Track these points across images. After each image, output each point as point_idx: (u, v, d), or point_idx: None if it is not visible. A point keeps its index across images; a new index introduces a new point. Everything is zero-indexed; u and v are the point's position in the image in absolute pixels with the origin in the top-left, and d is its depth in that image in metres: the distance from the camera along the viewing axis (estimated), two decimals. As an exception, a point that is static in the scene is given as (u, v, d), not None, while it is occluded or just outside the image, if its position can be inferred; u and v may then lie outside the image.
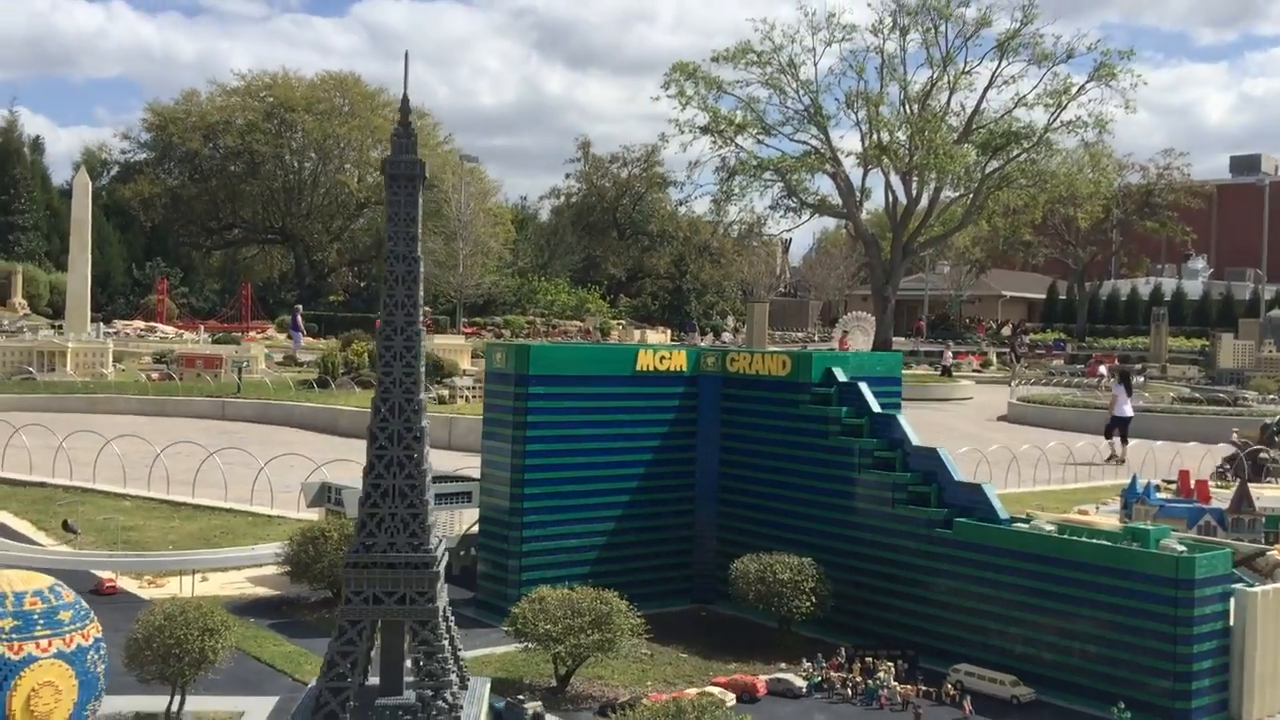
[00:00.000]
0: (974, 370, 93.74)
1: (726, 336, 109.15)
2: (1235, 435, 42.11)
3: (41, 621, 7.57)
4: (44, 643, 7.54)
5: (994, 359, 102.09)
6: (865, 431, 18.74)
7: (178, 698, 13.92)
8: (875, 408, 18.85)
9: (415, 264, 10.09)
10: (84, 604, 8.10)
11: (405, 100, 10.60)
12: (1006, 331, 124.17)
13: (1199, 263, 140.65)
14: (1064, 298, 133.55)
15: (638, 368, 19.83)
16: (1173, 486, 28.42)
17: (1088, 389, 69.66)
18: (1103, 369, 78.47)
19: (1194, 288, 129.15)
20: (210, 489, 28.58)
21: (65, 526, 23.79)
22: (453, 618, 10.59)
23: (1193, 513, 24.36)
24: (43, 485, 29.10)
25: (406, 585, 9.90)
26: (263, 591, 20.34)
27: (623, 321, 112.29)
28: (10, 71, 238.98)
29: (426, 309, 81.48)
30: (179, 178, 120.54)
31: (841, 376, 19.39)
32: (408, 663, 10.28)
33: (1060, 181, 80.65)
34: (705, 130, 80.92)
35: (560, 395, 18.90)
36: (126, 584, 20.42)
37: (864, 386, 19.05)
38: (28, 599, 7.57)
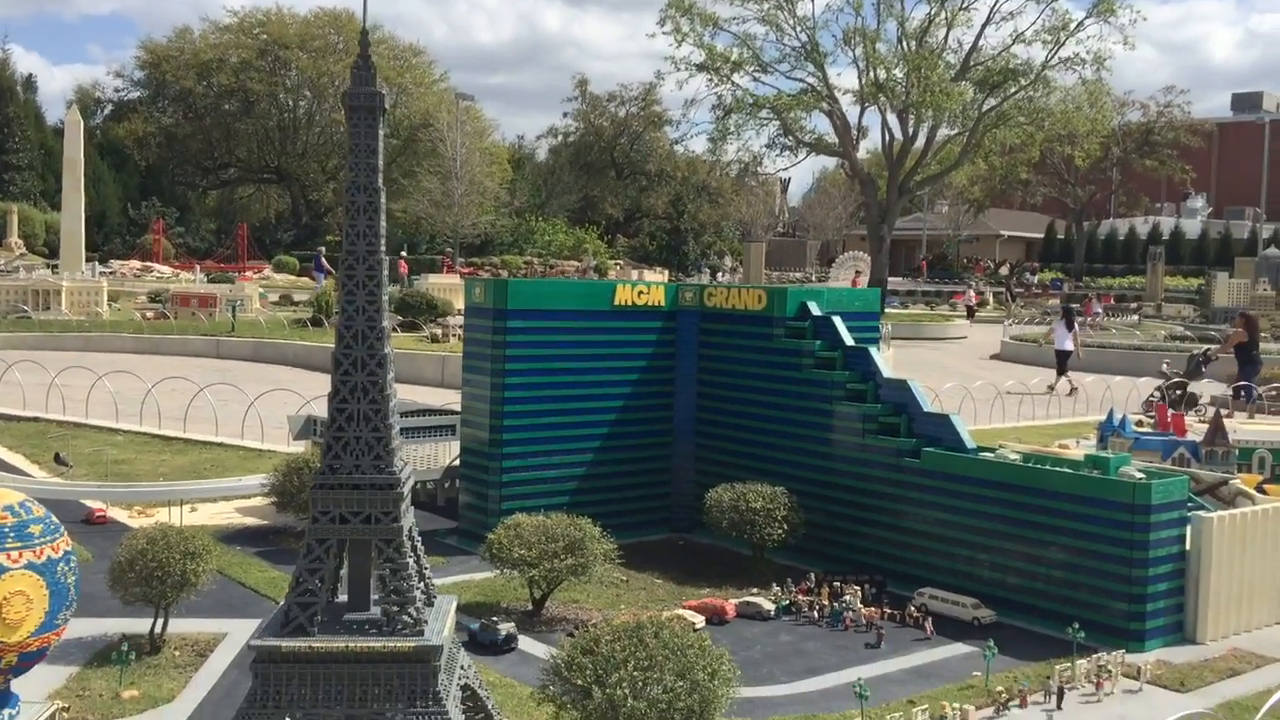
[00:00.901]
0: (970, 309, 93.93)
1: (723, 277, 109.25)
2: (1165, 366, 43.15)
3: (12, 535, 7.91)
4: (14, 554, 7.88)
5: (990, 298, 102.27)
6: (838, 365, 19.07)
7: (161, 619, 14.41)
8: (849, 341, 19.15)
9: (376, 194, 10.31)
10: (54, 519, 8.44)
11: (364, 32, 10.73)
12: (1004, 271, 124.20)
13: (1198, 202, 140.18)
14: (1062, 237, 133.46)
15: (616, 302, 20.10)
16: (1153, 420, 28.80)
17: (1083, 327, 69.89)
18: (1098, 307, 78.70)
19: (1192, 227, 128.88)
20: (202, 424, 29.01)
21: (57, 459, 24.20)
22: (419, 538, 10.95)
23: (1167, 445, 24.76)
24: (36, 420, 29.52)
25: (371, 505, 10.24)
26: (250, 521, 20.79)
27: (620, 262, 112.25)
28: (3, 9, 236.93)
29: (400, 257, 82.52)
30: (173, 116, 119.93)
31: (816, 311, 19.67)
32: (374, 581, 10.67)
33: (1058, 119, 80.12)
34: (701, 68, 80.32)
35: (539, 329, 19.20)
36: (117, 514, 20.86)
37: (838, 321, 19.33)
38: (-3, 513, 7.93)
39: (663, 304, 20.61)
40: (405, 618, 10.18)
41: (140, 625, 14.48)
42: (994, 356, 61.15)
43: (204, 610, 15.33)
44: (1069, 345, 45.43)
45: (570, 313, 19.58)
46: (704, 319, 20.75)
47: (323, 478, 10.28)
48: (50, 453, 25.09)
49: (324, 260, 79.88)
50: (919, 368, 50.20)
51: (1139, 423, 28.22)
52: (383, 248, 10.42)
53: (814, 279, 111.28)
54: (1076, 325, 48.09)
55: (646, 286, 20.74)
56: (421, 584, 10.74)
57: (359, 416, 10.27)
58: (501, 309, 18.87)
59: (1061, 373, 44.54)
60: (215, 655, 14.18)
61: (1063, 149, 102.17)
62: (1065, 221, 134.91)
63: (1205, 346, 45.48)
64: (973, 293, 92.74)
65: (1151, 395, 36.66)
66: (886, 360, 46.54)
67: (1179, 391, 35.70)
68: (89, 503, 20.93)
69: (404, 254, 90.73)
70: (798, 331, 19.55)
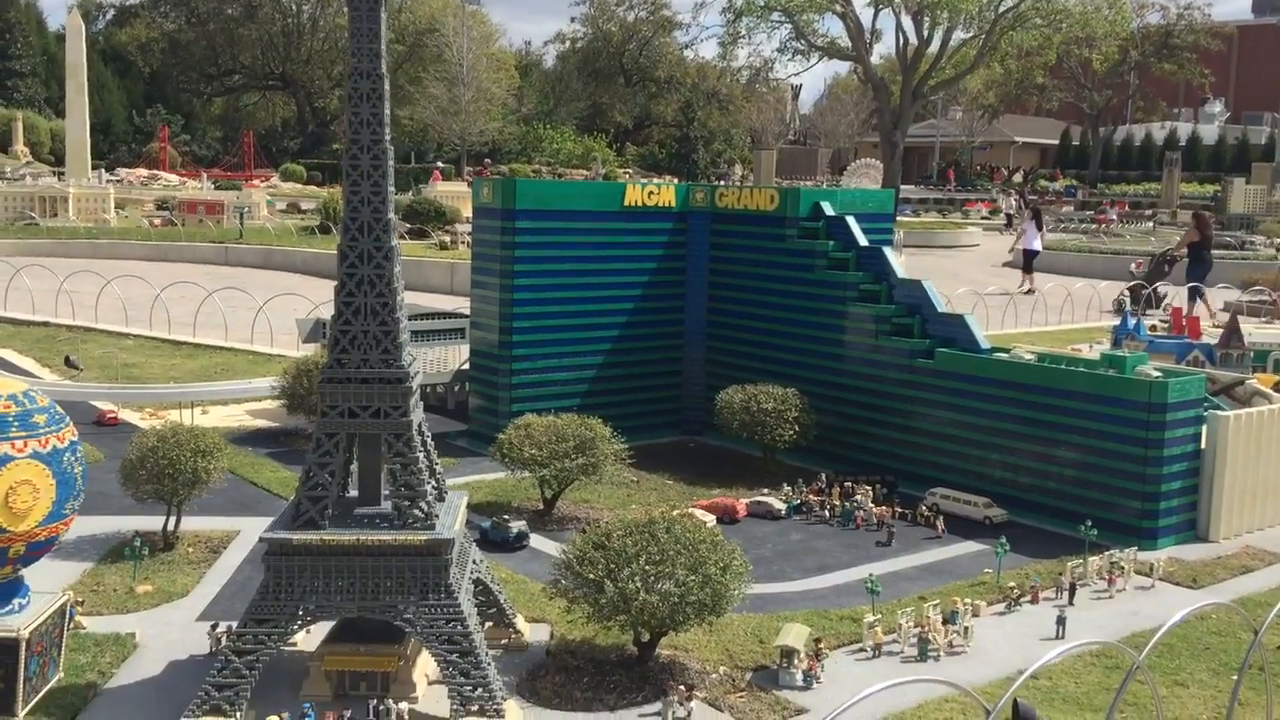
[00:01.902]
0: (983, 218, 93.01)
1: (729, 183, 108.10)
2: (1133, 267, 43.31)
3: (16, 424, 7.81)
4: (19, 443, 7.80)
5: (1002, 205, 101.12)
6: (852, 265, 18.83)
7: (174, 517, 14.45)
8: (862, 241, 18.88)
9: (380, 81, 10.03)
10: (59, 409, 8.33)
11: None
12: (1018, 179, 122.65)
13: (1216, 106, 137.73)
14: (1077, 144, 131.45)
15: (626, 203, 19.81)
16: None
17: (1094, 235, 69.24)
18: (1112, 214, 77.85)
19: (1210, 132, 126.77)
20: (211, 330, 28.92)
21: (67, 362, 24.19)
22: (429, 434, 10.87)
23: (1182, 347, 24.58)
24: (46, 325, 29.48)
25: (380, 399, 10.14)
26: (261, 423, 20.79)
27: (629, 170, 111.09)
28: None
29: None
30: (175, 21, 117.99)
31: (830, 211, 19.37)
32: (385, 475, 10.61)
33: (1075, 21, 78.47)
34: (712, -31, 78.61)
35: (547, 230, 18.94)
36: (128, 416, 20.89)
37: (851, 221, 19.04)
38: (1, 402, 7.79)
39: (673, 205, 20.30)
40: (416, 511, 10.14)
41: (154, 523, 14.53)
42: (1006, 265, 60.63)
43: (217, 509, 15.38)
44: (1037, 245, 46.42)
45: (580, 213, 19.30)
46: (715, 220, 20.46)
47: (330, 371, 10.17)
48: (60, 356, 25.07)
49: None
50: (931, 274, 49.78)
51: (1153, 327, 28.05)
52: (388, 136, 10.18)
53: (825, 187, 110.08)
54: (1045, 226, 49.38)
55: (657, 187, 20.44)
56: (432, 479, 10.68)
57: (366, 310, 10.12)
58: (510, 209, 18.59)
59: (1028, 270, 45.47)
60: (228, 551, 14.26)
61: (1080, 52, 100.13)
62: (1081, 127, 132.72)
63: (1165, 247, 46.04)
64: (1013, 199, 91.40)
65: (1121, 296, 38.73)
66: (899, 266, 46.42)
67: (1143, 291, 37.57)
68: (100, 404, 20.94)
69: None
70: (811, 232, 19.27)
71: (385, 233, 10.12)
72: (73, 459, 8.15)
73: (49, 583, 12.51)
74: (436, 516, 10.27)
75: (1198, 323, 26.66)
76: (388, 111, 10.14)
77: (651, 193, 20.16)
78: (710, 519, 15.70)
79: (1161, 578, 13.95)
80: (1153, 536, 15.08)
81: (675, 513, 15.12)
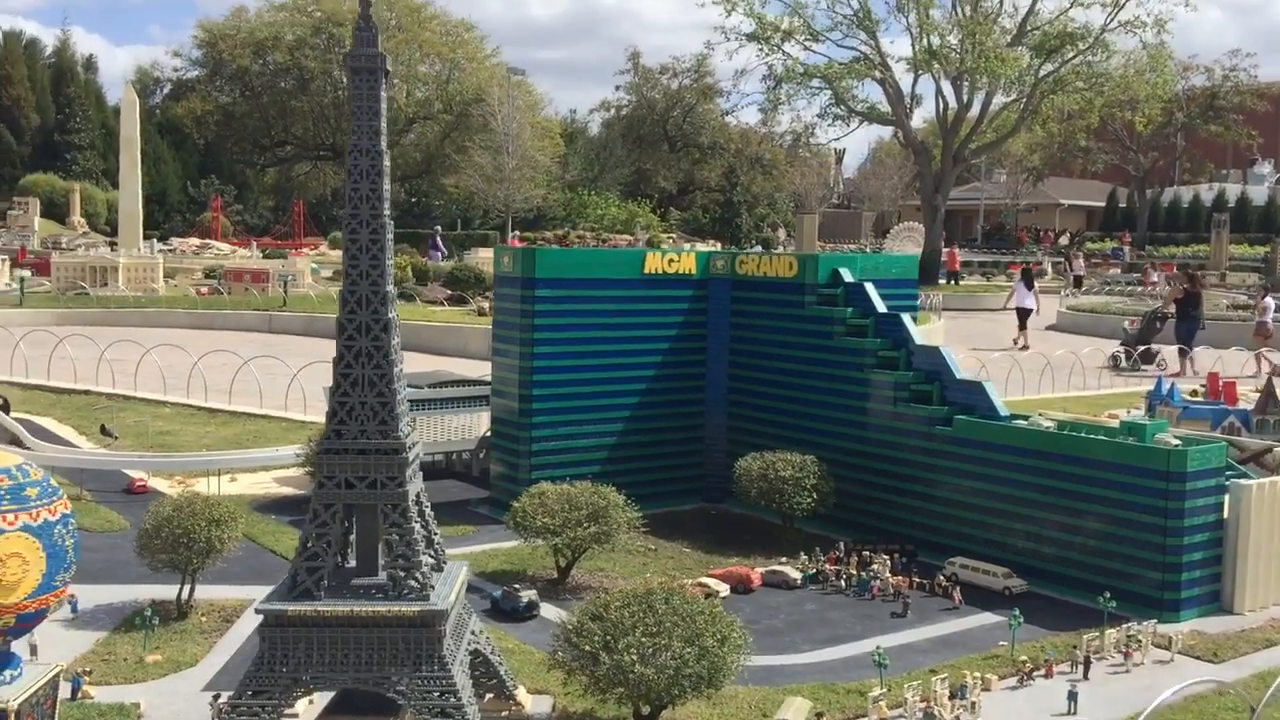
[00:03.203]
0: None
1: (758, 250, 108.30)
2: (1127, 325, 45.71)
3: (7, 497, 7.99)
4: (10, 517, 7.96)
5: (1049, 269, 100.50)
6: (870, 331, 18.79)
7: (188, 585, 14.59)
8: (880, 308, 18.85)
9: (379, 157, 10.25)
10: (52, 482, 8.50)
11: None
12: (1064, 241, 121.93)
13: (1265, 167, 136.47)
14: (1124, 205, 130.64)
15: (646, 270, 19.95)
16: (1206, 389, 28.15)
17: (1139, 297, 68.55)
18: (1155, 276, 77.12)
19: (1259, 193, 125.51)
20: (247, 397, 29.31)
21: (103, 430, 24.61)
22: (428, 504, 10.93)
23: (1217, 414, 24.23)
24: (86, 393, 30.04)
25: (376, 470, 10.24)
26: (286, 490, 21.00)
27: (673, 235, 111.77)
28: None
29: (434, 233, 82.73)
30: (230, 95, 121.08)
31: (848, 278, 19.39)
32: (382, 546, 10.68)
33: (1117, 84, 78.40)
34: (751, 37, 79.53)
35: (567, 298, 19.11)
36: (157, 484, 21.18)
37: (870, 287, 19.04)
38: (-6, 476, 8.01)
39: (694, 272, 20.43)
40: (411, 582, 10.19)
41: (169, 591, 14.68)
42: (1050, 327, 60.06)
43: (233, 577, 15.51)
44: (1029, 303, 49.51)
45: (600, 281, 19.47)
46: (736, 287, 20.54)
47: (328, 443, 10.30)
48: (98, 424, 25.51)
49: (439, 240, 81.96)
50: (971, 338, 49.60)
51: (1193, 392, 27.64)
52: (386, 211, 10.39)
53: (868, 250, 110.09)
54: (1036, 285, 52.53)
55: (677, 254, 20.58)
56: (430, 549, 10.74)
57: (364, 381, 10.27)
58: (530, 278, 18.80)
59: (1021, 327, 48.33)
60: (241, 621, 14.33)
61: (1123, 114, 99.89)
62: (1127, 189, 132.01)
63: (1156, 306, 47.96)
64: (1080, 262, 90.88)
65: (1115, 353, 40.60)
66: (936, 331, 46.76)
67: (1140, 348, 39.55)
68: (131, 472, 21.25)
69: (438, 228, 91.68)
70: (829, 299, 19.30)
71: (383, 305, 10.30)
72: (64, 532, 8.30)
73: (62, 652, 12.71)
74: (432, 587, 10.30)
75: (1234, 388, 26.23)
76: (387, 187, 10.35)
77: (672, 260, 20.31)
78: (724, 588, 15.63)
79: (1181, 651, 13.64)
80: (1175, 609, 14.78)
81: (689, 582, 15.13)
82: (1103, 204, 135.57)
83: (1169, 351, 40.76)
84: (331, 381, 10.32)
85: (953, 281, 79.20)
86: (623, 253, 22.57)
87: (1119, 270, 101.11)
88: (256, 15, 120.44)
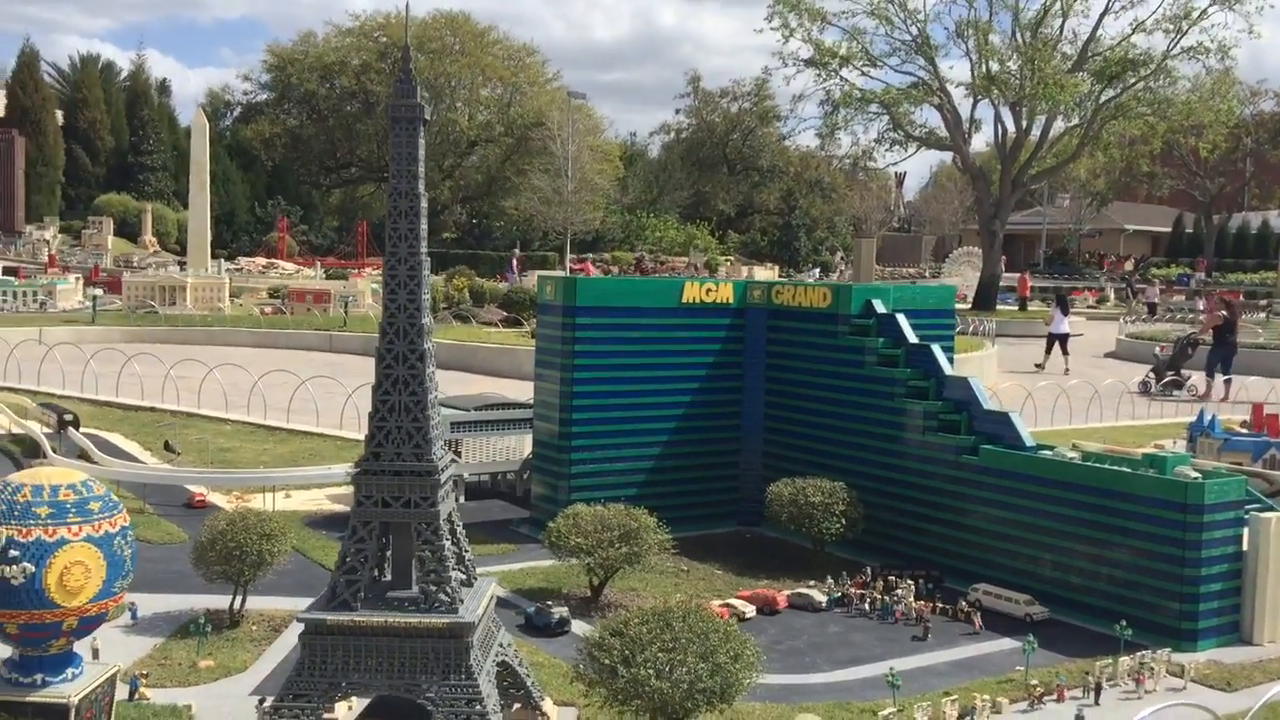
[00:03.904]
0: (1089, 306, 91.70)
1: (835, 276, 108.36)
2: (1158, 350, 46.31)
3: (73, 510, 8.80)
4: (75, 528, 8.78)
5: (1111, 294, 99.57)
6: (901, 362, 19.25)
7: (240, 596, 15.42)
8: (912, 339, 19.30)
9: (417, 199, 11.01)
10: (113, 497, 9.31)
11: (406, 49, 11.44)
12: (1128, 267, 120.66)
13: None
14: (1190, 231, 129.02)
15: (684, 300, 20.59)
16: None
17: (1200, 325, 67.81)
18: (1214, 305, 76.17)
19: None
20: (305, 415, 30.32)
21: (167, 447, 25.70)
22: (460, 523, 11.63)
23: (1259, 446, 24.32)
24: (152, 410, 31.25)
25: (411, 490, 10.96)
26: (338, 507, 21.82)
27: (731, 258, 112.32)
28: (141, 13, 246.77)
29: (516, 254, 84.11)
30: (298, 118, 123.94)
31: (881, 309, 19.87)
32: (414, 561, 11.38)
33: (1179, 110, 77.77)
34: (809, 63, 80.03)
35: (607, 326, 19.79)
36: (216, 499, 22.13)
37: (901, 318, 19.51)
38: (61, 491, 8.82)
39: (731, 301, 21.02)
40: (442, 596, 10.89)
41: (223, 601, 15.52)
42: (1109, 354, 59.70)
43: (283, 589, 16.30)
44: (1064, 328, 51.04)
45: (638, 310, 20.13)
46: (772, 316, 21.10)
47: (366, 464, 11.04)
48: (162, 441, 26.61)
49: (515, 264, 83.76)
50: (1026, 364, 49.58)
51: (1243, 423, 27.62)
52: (423, 249, 11.13)
53: (927, 275, 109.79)
54: (1070, 311, 54.83)
55: (715, 284, 21.19)
56: (460, 566, 11.43)
57: (400, 408, 11.00)
58: (571, 305, 19.51)
59: (1049, 351, 50.32)
60: (289, 630, 15.09)
61: (1187, 141, 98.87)
62: (1194, 215, 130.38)
63: (1189, 332, 48.39)
64: (1155, 289, 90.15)
65: (1146, 378, 41.57)
66: (989, 359, 46.94)
67: (1170, 372, 40.57)
68: (192, 488, 22.24)
69: (517, 251, 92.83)
70: (861, 329, 19.79)
71: (419, 337, 11.02)
72: (123, 542, 9.10)
73: (121, 656, 13.57)
74: (461, 601, 10.99)
75: (1277, 420, 26.21)
76: (424, 226, 11.10)
77: (709, 289, 20.92)
78: (751, 609, 16.16)
79: (1194, 679, 13.94)
80: (1193, 638, 15.06)
81: (716, 603, 15.69)
82: (1168, 230, 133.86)
83: (1199, 378, 41.30)
84: (371, 407, 11.04)
85: (1021, 308, 79.00)
86: (661, 282, 23.22)
87: (1184, 297, 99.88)
88: (324, 40, 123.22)
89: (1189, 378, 41.38)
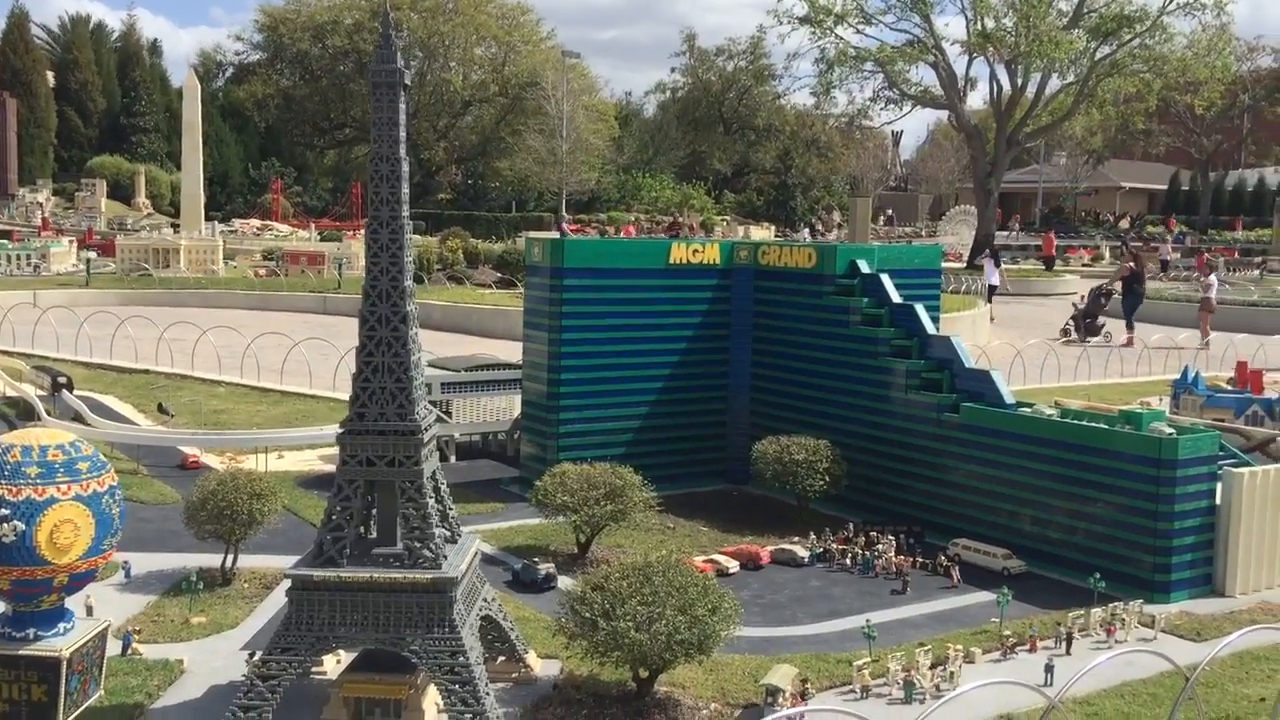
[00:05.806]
0: (1083, 265, 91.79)
1: (806, 234, 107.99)
2: (1077, 299, 49.07)
3: (62, 470, 9.03)
4: (64, 487, 9.01)
5: (1106, 253, 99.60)
6: (885, 321, 19.46)
7: (231, 555, 15.71)
8: (895, 299, 19.51)
9: (398, 164, 11.16)
10: (101, 457, 9.53)
11: (385, 12, 11.55)
12: (1124, 225, 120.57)
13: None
14: (1186, 188, 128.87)
15: (671, 261, 20.76)
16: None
17: (1193, 283, 68.02)
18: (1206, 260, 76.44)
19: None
20: (298, 377, 30.54)
21: (160, 409, 25.91)
22: (443, 481, 11.88)
23: (1241, 402, 24.58)
24: (146, 372, 31.46)
25: (394, 450, 11.19)
26: (329, 468, 21.94)
27: (727, 218, 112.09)
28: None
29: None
30: (290, 78, 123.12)
31: (865, 269, 20.06)
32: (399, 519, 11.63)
33: (1175, 67, 77.49)
34: (804, 20, 79.64)
35: (594, 287, 19.98)
36: (210, 460, 22.39)
37: (885, 278, 19.70)
38: (50, 451, 9.05)
39: (718, 262, 21.20)
40: (425, 553, 11.15)
41: (215, 560, 15.81)
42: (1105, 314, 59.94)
43: (274, 547, 16.58)
44: (995, 280, 55.42)
45: (626, 271, 20.31)
46: (758, 277, 21.29)
47: (351, 424, 11.27)
48: (156, 403, 26.83)
49: (565, 227, 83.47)
50: (1021, 323, 49.85)
51: (1229, 380, 27.91)
52: (405, 213, 11.30)
53: (924, 234, 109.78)
54: (1002, 264, 59.50)
55: (701, 245, 21.35)
56: (444, 524, 11.69)
57: (383, 369, 11.21)
58: (558, 267, 19.69)
59: (989, 300, 52.45)
60: (280, 588, 15.29)
61: (1184, 97, 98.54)
62: (1191, 172, 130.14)
63: (1102, 282, 52.05)
64: (1169, 246, 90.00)
65: (1066, 325, 45.51)
66: (981, 317, 47.78)
67: (1088, 320, 44.26)
68: (185, 449, 22.50)
69: (566, 215, 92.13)
70: (846, 289, 19.99)
71: (401, 299, 11.22)
72: (111, 501, 9.33)
73: (115, 613, 13.86)
74: (445, 557, 11.25)
75: (1260, 377, 26.48)
76: (406, 191, 11.26)
77: (696, 250, 21.09)
78: (734, 565, 16.47)
79: (1164, 630, 14.26)
80: (1166, 590, 15.39)
81: (700, 558, 16.01)
82: (1165, 187, 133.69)
83: (1115, 325, 45.14)
84: (355, 368, 11.26)
85: (1048, 267, 79.00)
86: (648, 243, 23.38)
87: (1179, 255, 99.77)
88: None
89: (1103, 324, 45.02)
